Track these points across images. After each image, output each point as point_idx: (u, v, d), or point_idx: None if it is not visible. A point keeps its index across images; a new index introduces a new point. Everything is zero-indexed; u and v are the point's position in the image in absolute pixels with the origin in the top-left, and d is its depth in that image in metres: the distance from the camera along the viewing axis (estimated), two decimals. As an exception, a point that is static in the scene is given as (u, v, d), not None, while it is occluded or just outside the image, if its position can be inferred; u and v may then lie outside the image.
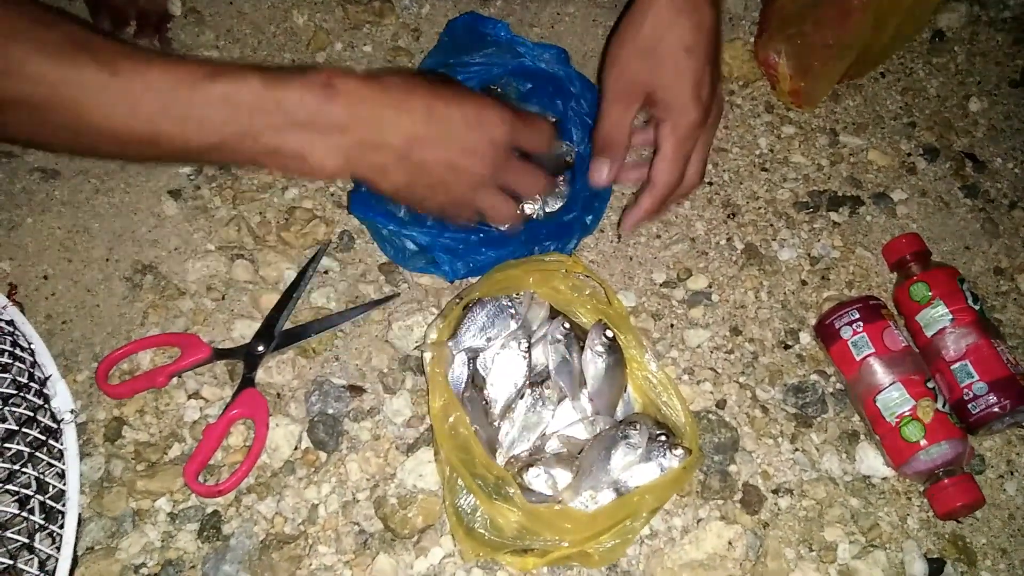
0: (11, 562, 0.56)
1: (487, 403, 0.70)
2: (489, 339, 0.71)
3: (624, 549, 0.64)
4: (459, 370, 0.70)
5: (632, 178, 0.75)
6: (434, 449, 0.69)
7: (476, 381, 0.71)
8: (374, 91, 0.59)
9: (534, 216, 0.80)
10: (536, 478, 0.66)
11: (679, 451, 0.65)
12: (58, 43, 0.52)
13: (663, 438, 0.66)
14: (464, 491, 0.63)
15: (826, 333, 0.77)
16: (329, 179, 0.62)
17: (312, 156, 0.58)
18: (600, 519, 0.61)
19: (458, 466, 0.62)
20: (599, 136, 0.72)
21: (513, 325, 0.72)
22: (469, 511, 0.63)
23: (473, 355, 0.71)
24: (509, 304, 0.72)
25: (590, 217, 0.80)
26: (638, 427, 0.66)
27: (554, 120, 0.86)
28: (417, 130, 0.60)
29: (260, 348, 0.73)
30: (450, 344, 0.70)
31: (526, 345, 0.71)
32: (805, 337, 0.80)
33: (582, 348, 0.71)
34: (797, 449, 0.74)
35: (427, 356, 0.68)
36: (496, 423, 0.69)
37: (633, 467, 0.65)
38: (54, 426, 0.63)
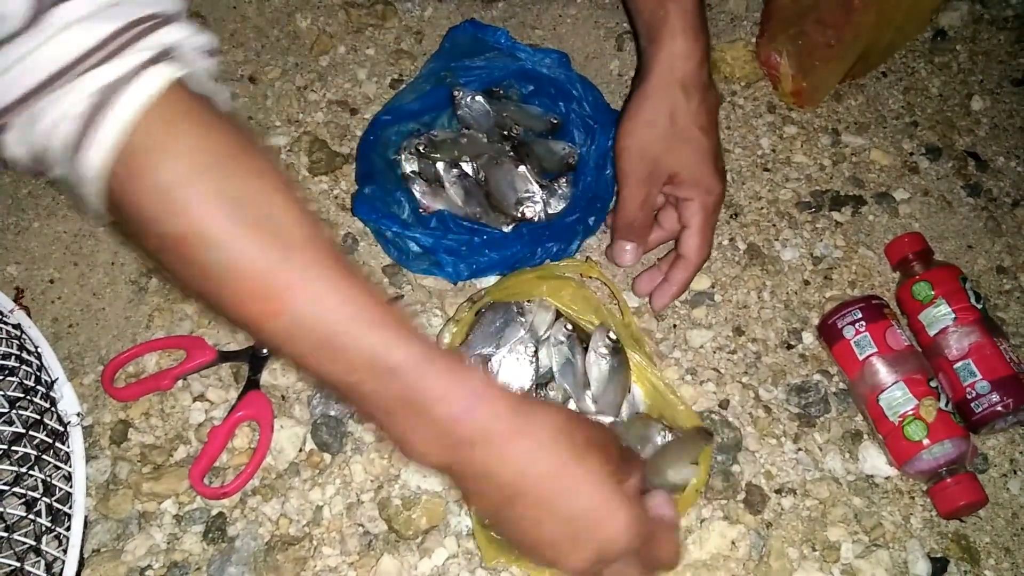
0: (18, 564, 0.57)
1: None
2: (498, 345, 0.71)
3: None
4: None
5: (652, 247, 0.77)
6: None
7: None
8: (515, 430, 0.50)
9: (535, 219, 0.80)
10: None
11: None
12: (240, 200, 0.45)
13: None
14: None
15: (829, 333, 0.77)
16: (421, 466, 0.55)
17: (417, 448, 0.50)
18: None
19: None
20: (623, 220, 0.72)
21: (521, 331, 0.72)
22: None
23: (483, 360, 0.71)
24: (519, 310, 0.72)
25: (593, 218, 0.81)
26: (661, 430, 0.68)
27: (556, 121, 0.87)
28: (531, 522, 0.51)
29: (265, 350, 0.74)
30: (462, 349, 0.71)
31: (533, 350, 0.71)
32: (808, 337, 0.80)
33: (586, 350, 0.72)
34: (800, 449, 0.74)
35: None
36: None
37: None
38: (61, 429, 0.64)
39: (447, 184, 0.82)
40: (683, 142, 0.68)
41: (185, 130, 0.45)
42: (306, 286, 0.46)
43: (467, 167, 0.83)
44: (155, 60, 0.44)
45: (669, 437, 0.68)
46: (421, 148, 0.83)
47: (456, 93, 0.85)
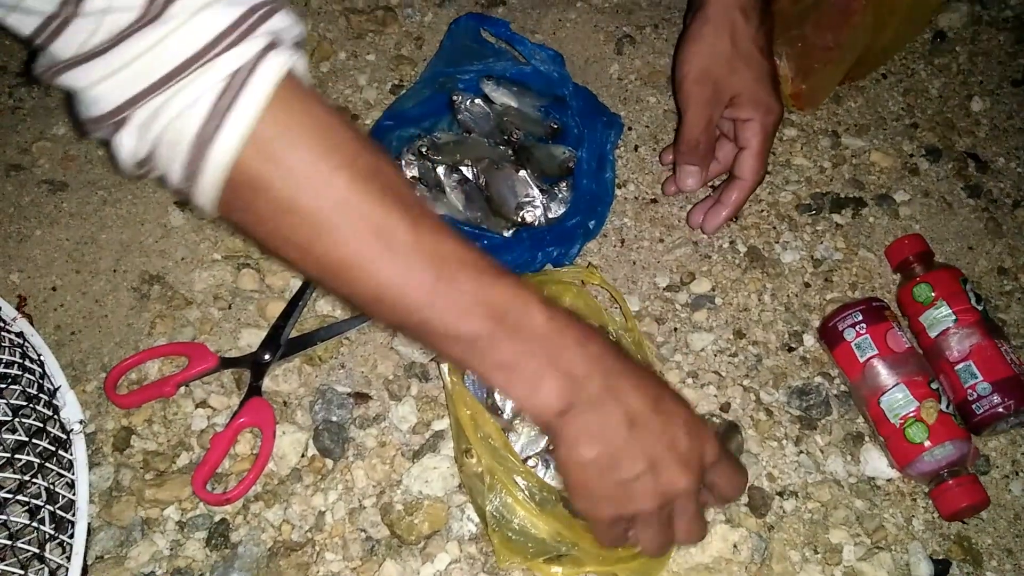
0: (22, 572, 0.57)
1: (497, 408, 0.70)
2: None
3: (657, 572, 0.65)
4: (478, 381, 0.71)
5: (712, 177, 0.76)
6: (456, 458, 0.69)
7: (489, 388, 0.71)
8: (618, 361, 0.54)
9: (535, 224, 0.80)
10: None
11: None
12: (370, 173, 0.48)
13: None
14: (497, 497, 0.63)
15: (829, 335, 0.77)
16: (534, 414, 0.55)
17: (541, 388, 0.52)
18: None
19: (501, 474, 0.62)
20: (687, 143, 0.72)
21: None
22: (500, 517, 0.63)
23: None
24: None
25: (593, 222, 0.81)
26: None
27: (556, 126, 0.87)
28: (643, 410, 0.53)
29: (267, 356, 0.74)
30: None
31: None
32: (809, 339, 0.80)
33: None
34: (802, 451, 0.74)
35: (444, 368, 0.68)
36: (506, 431, 0.69)
37: None
38: (64, 437, 0.64)
39: (448, 189, 0.82)
40: (744, 64, 0.68)
41: (308, 114, 0.47)
42: (435, 246, 0.49)
43: (467, 171, 0.83)
44: (272, 46, 0.45)
45: None
46: (423, 150, 0.83)
47: (455, 98, 0.85)
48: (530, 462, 0.68)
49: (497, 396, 0.70)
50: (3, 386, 0.64)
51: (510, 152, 0.84)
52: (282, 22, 0.47)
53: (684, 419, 0.55)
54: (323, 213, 0.47)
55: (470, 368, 0.54)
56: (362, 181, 0.47)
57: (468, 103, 0.85)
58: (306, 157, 0.46)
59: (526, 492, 0.62)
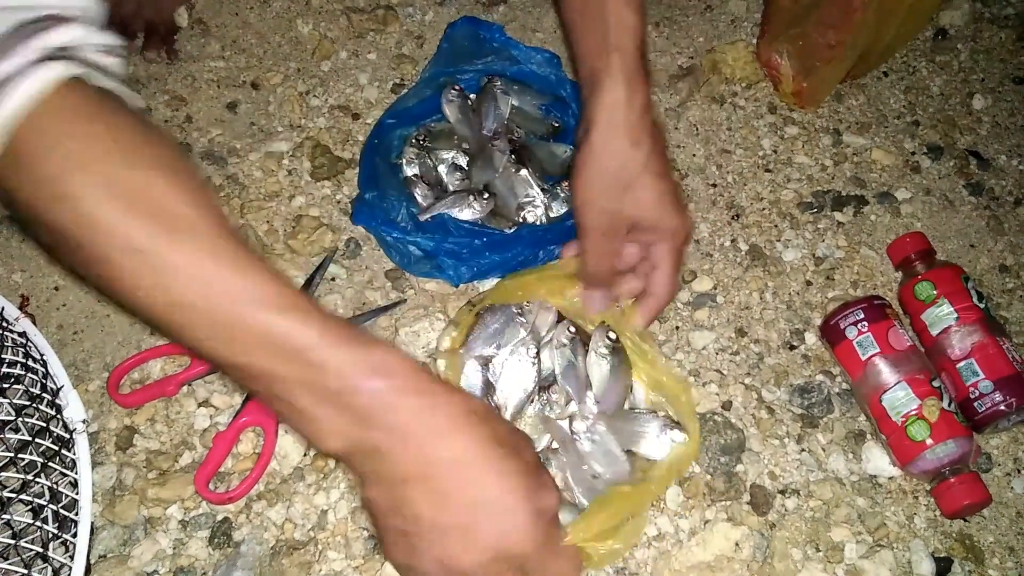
0: (26, 571, 0.57)
1: (497, 408, 0.70)
2: (499, 346, 0.71)
3: (628, 548, 0.65)
4: (472, 377, 0.71)
5: (629, 297, 0.75)
6: None
7: (487, 387, 0.71)
8: (421, 414, 0.49)
9: (537, 223, 0.80)
10: None
11: (679, 433, 0.68)
12: (129, 187, 0.45)
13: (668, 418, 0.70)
14: None
15: (831, 333, 0.77)
16: (326, 454, 0.53)
17: (319, 429, 0.50)
18: (608, 509, 0.62)
19: None
20: (589, 271, 0.72)
21: (522, 332, 0.72)
22: None
23: (484, 362, 0.71)
24: (519, 311, 0.73)
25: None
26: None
27: (557, 124, 0.87)
28: (429, 470, 0.50)
29: (268, 356, 0.74)
30: (462, 352, 0.71)
31: (535, 351, 0.71)
32: (810, 337, 0.80)
33: (587, 351, 0.72)
34: (803, 449, 0.74)
35: (441, 364, 0.68)
36: None
37: (643, 440, 0.68)
38: (66, 436, 0.64)
39: (450, 188, 0.82)
40: (643, 191, 0.67)
41: (77, 121, 0.45)
42: (195, 269, 0.45)
43: (462, 160, 0.84)
44: (47, 59, 0.45)
45: (669, 431, 0.68)
46: (421, 140, 0.84)
47: (451, 90, 0.86)
48: None
49: (498, 395, 0.70)
50: (6, 386, 0.64)
51: (510, 150, 0.84)
52: (69, 35, 0.46)
53: (492, 489, 0.50)
54: (73, 228, 0.45)
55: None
56: (117, 195, 0.45)
57: (457, 97, 0.86)
58: (58, 167, 0.44)
59: None
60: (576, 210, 0.69)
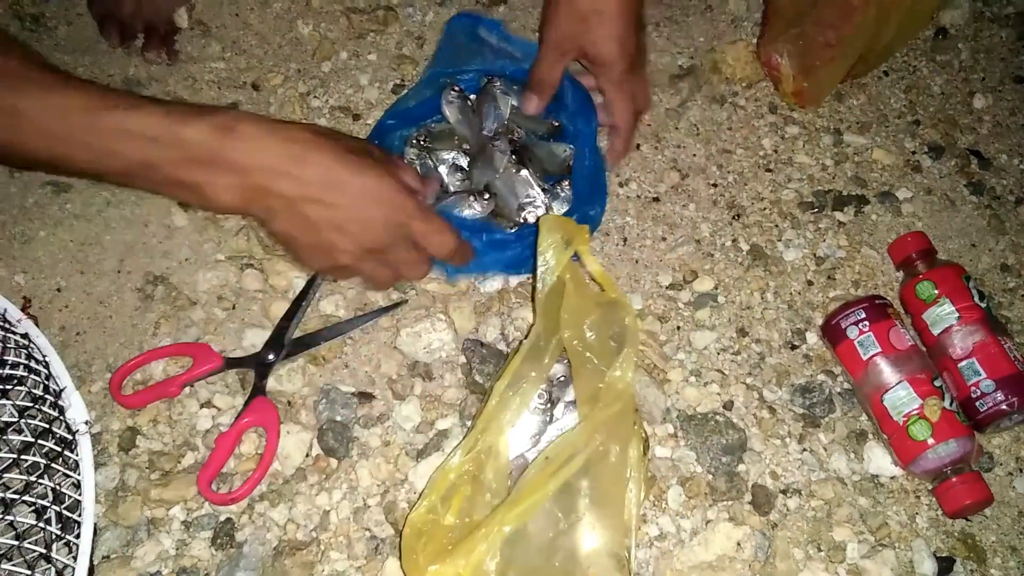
0: (29, 572, 0.57)
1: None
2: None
3: None
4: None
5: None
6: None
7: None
8: (275, 140, 0.62)
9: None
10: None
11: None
12: None
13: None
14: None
15: (832, 333, 0.77)
16: (227, 214, 0.66)
17: (210, 191, 0.61)
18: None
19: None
20: (534, 77, 0.83)
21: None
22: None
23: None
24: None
25: (594, 210, 0.82)
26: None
27: (557, 124, 0.87)
28: (309, 189, 0.63)
29: (270, 356, 0.74)
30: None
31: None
32: (812, 337, 0.81)
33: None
34: (805, 449, 0.74)
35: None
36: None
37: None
38: (69, 437, 0.64)
39: (450, 188, 0.82)
40: (596, 24, 0.77)
41: None
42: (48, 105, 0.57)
43: (463, 161, 0.84)
44: None
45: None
46: (421, 140, 0.84)
47: (451, 91, 0.85)
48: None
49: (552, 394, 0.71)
50: (9, 387, 0.64)
51: (510, 151, 0.84)
52: None
53: (360, 187, 0.64)
54: None
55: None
56: None
57: (459, 98, 0.86)
58: None
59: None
60: (540, 27, 0.82)
